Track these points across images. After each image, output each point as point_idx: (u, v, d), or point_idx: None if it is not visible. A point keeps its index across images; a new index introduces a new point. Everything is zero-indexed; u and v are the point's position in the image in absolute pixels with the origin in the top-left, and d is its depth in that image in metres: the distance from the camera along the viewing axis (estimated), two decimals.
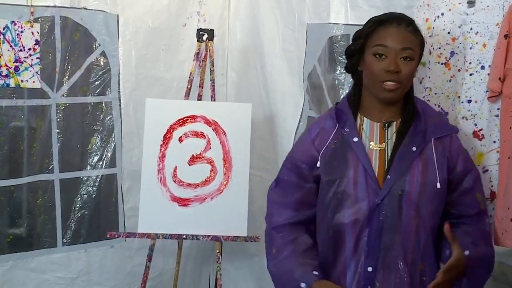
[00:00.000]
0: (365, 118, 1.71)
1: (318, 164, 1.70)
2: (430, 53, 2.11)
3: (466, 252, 1.49)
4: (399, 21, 1.63)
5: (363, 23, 2.39)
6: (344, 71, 1.86)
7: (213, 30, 2.57)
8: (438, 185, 1.61)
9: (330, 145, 1.69)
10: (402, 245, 1.62)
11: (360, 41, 1.66)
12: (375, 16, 1.71)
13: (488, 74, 1.93)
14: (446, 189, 1.66)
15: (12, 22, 2.33)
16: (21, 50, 2.36)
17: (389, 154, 1.66)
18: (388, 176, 1.61)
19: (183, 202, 2.33)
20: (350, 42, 1.74)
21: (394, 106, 1.69)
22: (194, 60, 2.56)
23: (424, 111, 1.72)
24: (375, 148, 1.68)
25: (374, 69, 1.61)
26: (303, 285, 1.60)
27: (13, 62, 2.36)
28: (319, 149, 1.72)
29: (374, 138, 1.69)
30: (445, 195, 1.66)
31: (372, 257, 1.57)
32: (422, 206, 1.63)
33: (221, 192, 2.35)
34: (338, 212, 1.66)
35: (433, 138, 1.67)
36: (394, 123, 1.69)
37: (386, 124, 1.69)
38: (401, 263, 1.59)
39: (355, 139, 1.65)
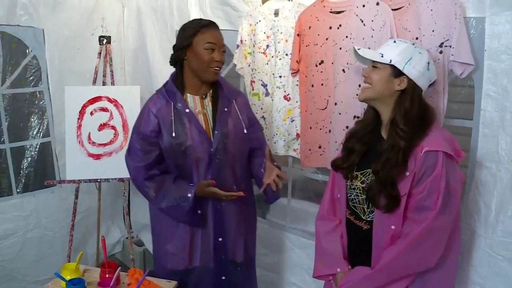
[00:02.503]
0: (188, 94, 2.02)
1: (166, 131, 1.95)
2: (254, 45, 2.57)
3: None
4: (216, 26, 2.01)
5: None
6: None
7: (110, 36, 3.07)
8: (245, 131, 2.07)
9: (170, 118, 1.96)
10: (232, 174, 2.05)
11: (191, 39, 1.94)
12: (196, 21, 2.02)
13: (290, 59, 2.43)
14: (249, 132, 2.09)
15: None
16: None
17: (210, 116, 2.03)
18: (216, 132, 1.98)
19: (96, 156, 2.82)
20: None
21: (207, 83, 2.03)
22: (98, 58, 3.04)
23: (223, 83, 2.09)
24: (199, 113, 2.02)
25: (206, 59, 1.93)
26: (189, 194, 1.92)
27: None
28: (161, 121, 1.97)
29: (197, 107, 2.02)
30: (249, 136, 2.10)
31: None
32: (238, 147, 2.06)
33: (122, 148, 2.83)
34: (185, 162, 1.99)
35: (233, 100, 2.08)
36: (208, 94, 2.06)
37: (204, 96, 2.05)
38: (233, 184, 2.02)
39: (187, 110, 1.97)
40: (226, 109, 2.04)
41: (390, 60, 1.66)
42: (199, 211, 2.00)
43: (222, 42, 1.99)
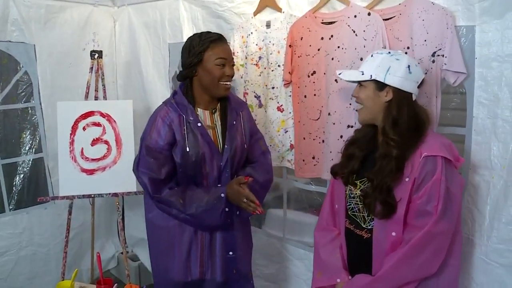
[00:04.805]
0: (198, 109, 2.02)
1: (180, 144, 1.93)
2: (246, 57, 2.60)
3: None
4: (224, 39, 1.99)
5: None
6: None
7: (102, 51, 3.05)
8: (245, 146, 2.09)
9: (182, 131, 1.95)
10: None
11: (201, 55, 1.91)
12: (205, 35, 1.96)
13: (283, 70, 2.45)
14: (248, 146, 2.10)
15: None
16: None
17: (219, 130, 2.04)
18: (226, 146, 1.99)
19: (90, 172, 2.81)
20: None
21: (216, 98, 2.04)
22: (89, 73, 3.03)
23: (231, 96, 2.10)
24: (209, 128, 2.02)
25: (217, 74, 1.92)
26: (222, 194, 1.92)
27: None
28: (175, 134, 1.95)
29: (207, 121, 2.03)
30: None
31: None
32: (240, 160, 2.09)
33: (115, 163, 2.85)
34: (196, 176, 2.00)
35: (240, 112, 2.08)
36: (217, 108, 2.06)
37: (213, 110, 2.06)
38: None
39: (199, 124, 1.96)
40: (234, 123, 2.05)
41: (371, 76, 1.70)
42: (227, 209, 1.97)
43: (231, 55, 1.99)
